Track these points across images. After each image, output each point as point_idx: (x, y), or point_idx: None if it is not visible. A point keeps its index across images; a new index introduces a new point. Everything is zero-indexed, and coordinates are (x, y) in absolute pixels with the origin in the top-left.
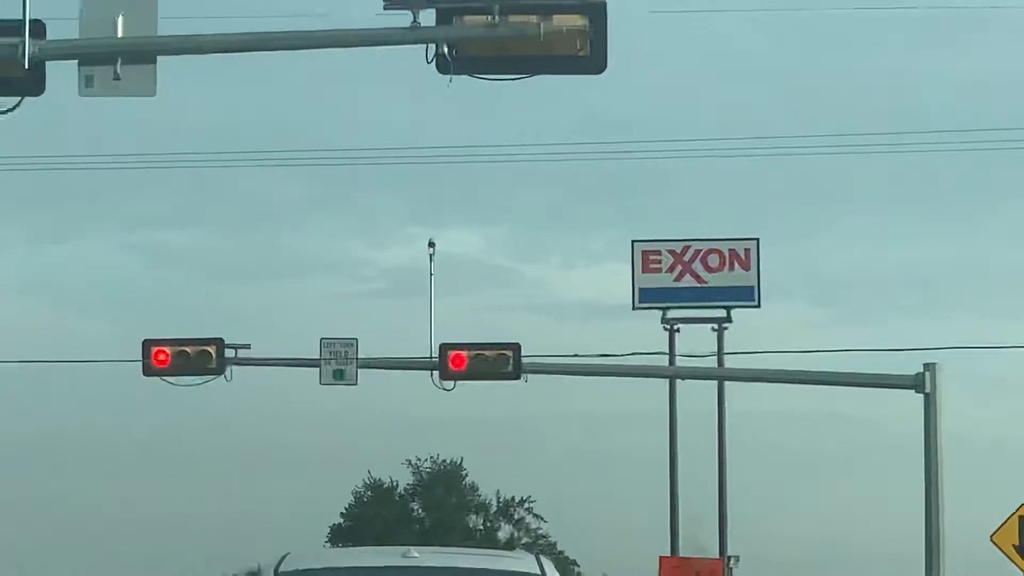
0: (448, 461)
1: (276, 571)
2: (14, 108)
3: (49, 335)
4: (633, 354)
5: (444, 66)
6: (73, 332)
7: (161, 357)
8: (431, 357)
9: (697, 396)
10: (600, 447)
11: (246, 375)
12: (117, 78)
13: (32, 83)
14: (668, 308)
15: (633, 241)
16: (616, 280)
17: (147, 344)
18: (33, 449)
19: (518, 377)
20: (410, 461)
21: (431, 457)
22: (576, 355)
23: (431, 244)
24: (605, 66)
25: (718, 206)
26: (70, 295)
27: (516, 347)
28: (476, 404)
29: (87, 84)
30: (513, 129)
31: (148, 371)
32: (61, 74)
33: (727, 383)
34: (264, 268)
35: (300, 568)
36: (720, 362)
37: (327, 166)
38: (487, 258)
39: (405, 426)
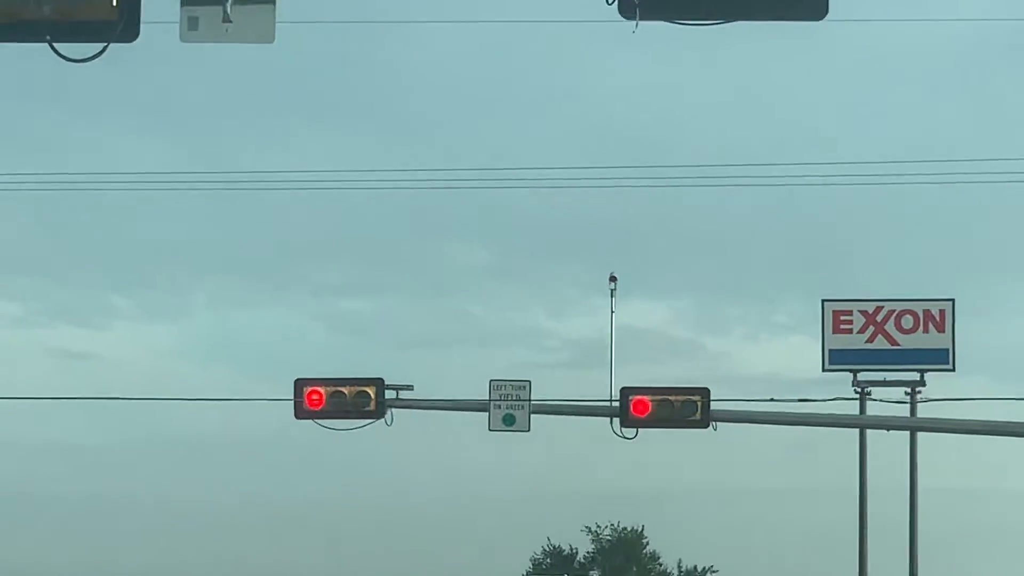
0: (628, 528)
1: None
2: (99, 55)
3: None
4: (833, 400)
5: (628, 8)
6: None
7: (315, 397)
8: (611, 401)
9: (887, 472)
10: (786, 518)
11: (408, 426)
12: (227, 20)
13: (123, 26)
14: (859, 370)
15: (823, 300)
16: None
17: (299, 384)
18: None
19: (707, 425)
20: (590, 528)
21: (611, 524)
22: (772, 399)
23: (612, 279)
24: (826, 11)
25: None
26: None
27: (705, 391)
28: (658, 469)
29: (191, 27)
30: None
31: (300, 413)
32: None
33: (919, 451)
34: (444, 336)
35: None
36: (913, 427)
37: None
38: (670, 330)
39: (582, 492)
